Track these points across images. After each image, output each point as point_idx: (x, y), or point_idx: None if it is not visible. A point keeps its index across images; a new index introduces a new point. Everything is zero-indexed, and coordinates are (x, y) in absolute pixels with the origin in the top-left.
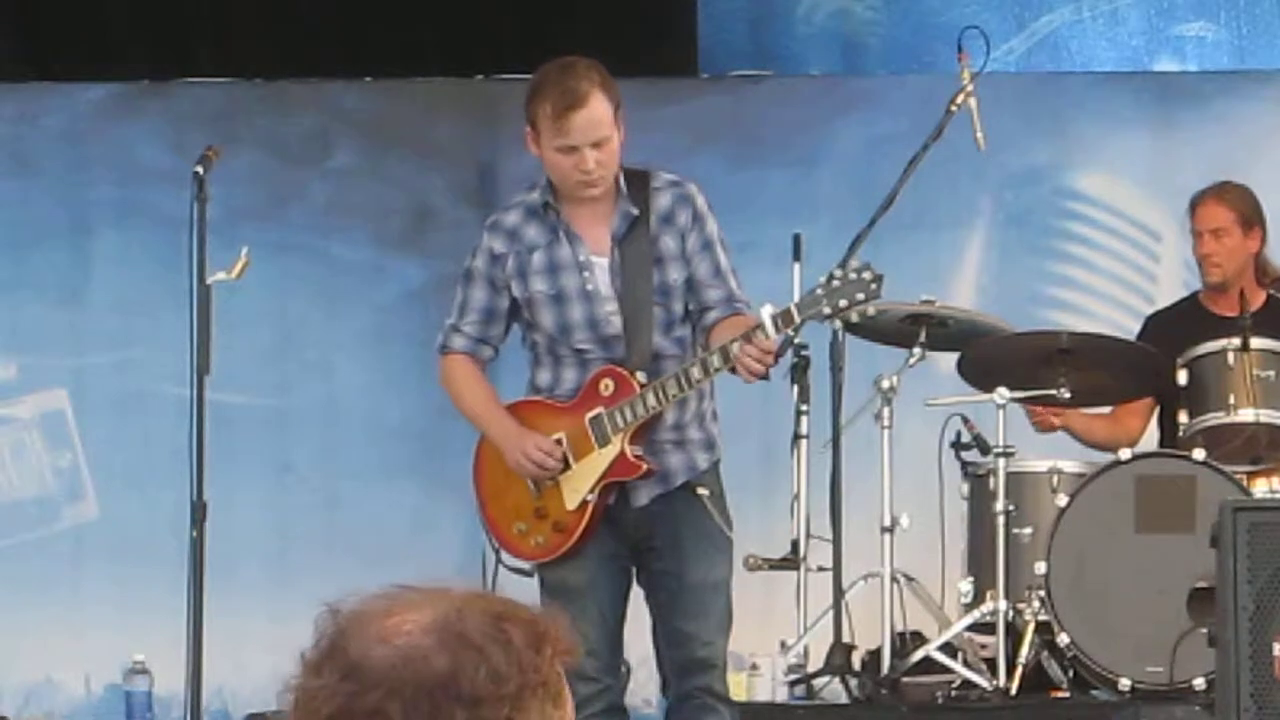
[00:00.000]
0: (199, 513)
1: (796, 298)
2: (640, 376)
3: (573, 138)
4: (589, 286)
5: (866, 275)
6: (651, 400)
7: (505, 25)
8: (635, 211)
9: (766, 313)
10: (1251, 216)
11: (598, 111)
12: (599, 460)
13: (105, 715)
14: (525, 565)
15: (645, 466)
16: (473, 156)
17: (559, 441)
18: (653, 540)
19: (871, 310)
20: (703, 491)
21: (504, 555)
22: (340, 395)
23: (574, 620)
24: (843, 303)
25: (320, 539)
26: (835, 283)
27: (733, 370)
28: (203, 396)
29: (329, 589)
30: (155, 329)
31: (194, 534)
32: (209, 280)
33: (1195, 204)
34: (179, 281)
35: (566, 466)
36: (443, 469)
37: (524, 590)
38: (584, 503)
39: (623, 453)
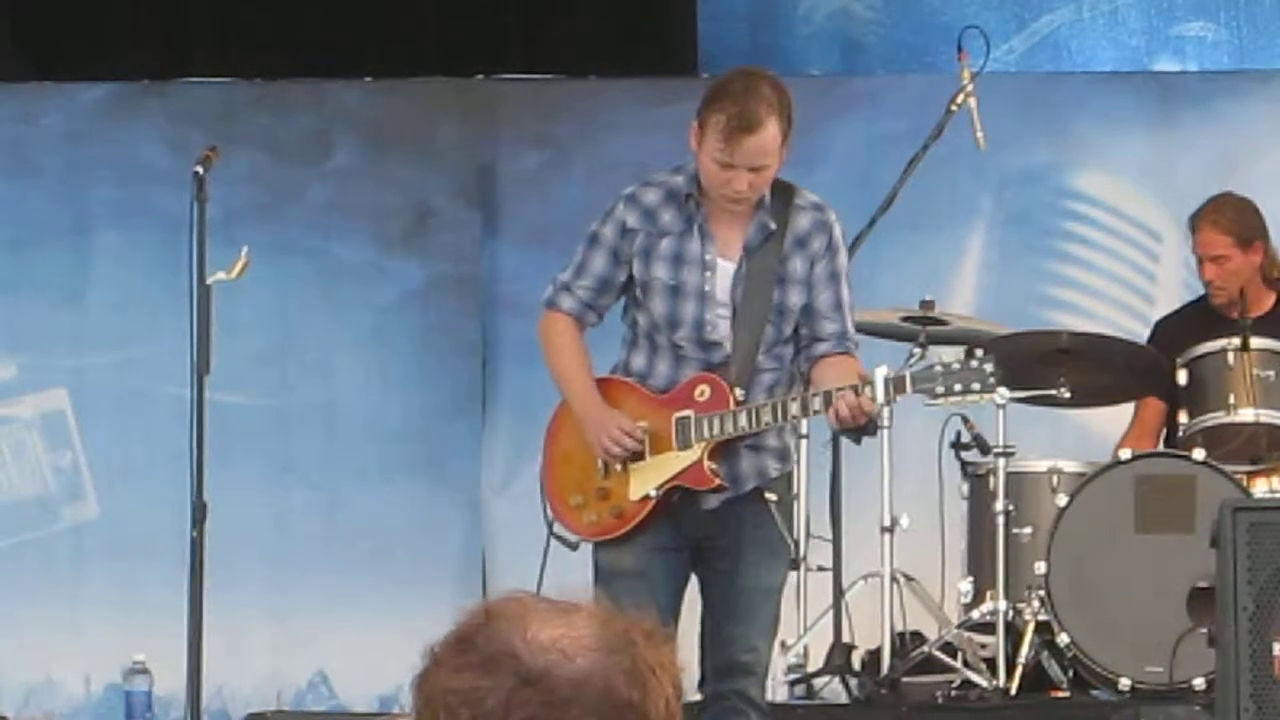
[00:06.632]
0: (199, 513)
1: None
2: (738, 393)
3: (735, 158)
4: (707, 287)
5: (988, 368)
6: (743, 421)
7: (505, 25)
8: (773, 226)
9: (880, 374)
10: (1248, 233)
11: (768, 140)
12: (674, 461)
13: (105, 715)
14: (572, 538)
15: (718, 482)
16: (473, 156)
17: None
18: (716, 539)
19: (983, 401)
20: (771, 497)
21: (556, 526)
22: (340, 395)
23: (629, 604)
24: (957, 387)
25: (320, 539)
26: (956, 365)
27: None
28: (203, 396)
29: (329, 589)
30: (155, 329)
31: (194, 534)
32: (209, 280)
33: (1193, 227)
34: (179, 281)
35: (640, 456)
36: (443, 469)
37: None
38: (647, 497)
39: (700, 462)
